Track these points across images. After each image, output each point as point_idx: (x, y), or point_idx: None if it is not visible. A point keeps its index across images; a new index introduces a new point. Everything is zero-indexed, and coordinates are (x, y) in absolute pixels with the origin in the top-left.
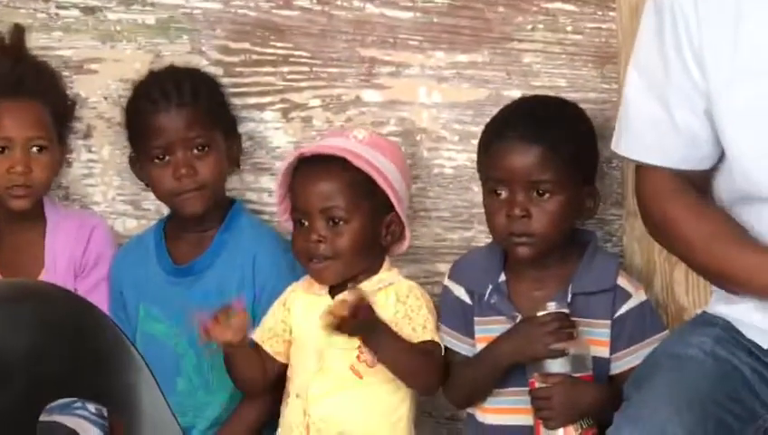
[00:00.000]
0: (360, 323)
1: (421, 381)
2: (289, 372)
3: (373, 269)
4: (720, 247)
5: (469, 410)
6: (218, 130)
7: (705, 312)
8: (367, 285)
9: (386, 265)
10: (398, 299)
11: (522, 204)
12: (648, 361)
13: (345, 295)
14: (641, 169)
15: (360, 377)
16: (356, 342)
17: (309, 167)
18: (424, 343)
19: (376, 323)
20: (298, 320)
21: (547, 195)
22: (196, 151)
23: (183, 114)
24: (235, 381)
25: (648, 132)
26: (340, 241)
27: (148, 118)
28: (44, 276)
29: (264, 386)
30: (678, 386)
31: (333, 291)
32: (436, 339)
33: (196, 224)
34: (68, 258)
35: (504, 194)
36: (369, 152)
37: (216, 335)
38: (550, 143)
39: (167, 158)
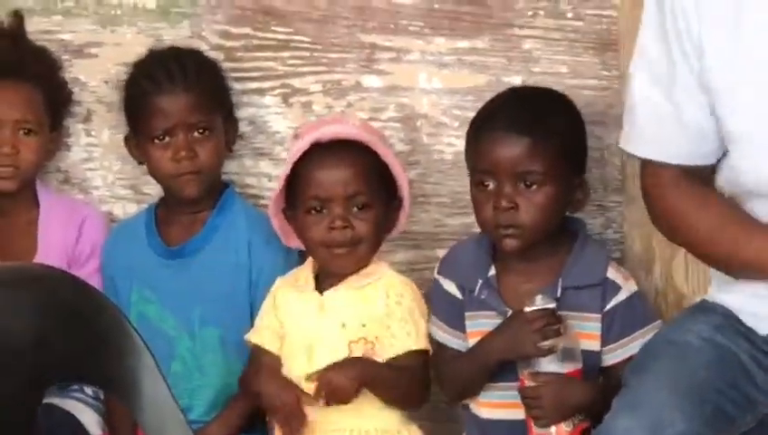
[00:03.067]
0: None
1: (402, 405)
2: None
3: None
4: (728, 234)
5: (465, 401)
6: (219, 114)
7: (704, 299)
8: (354, 280)
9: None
10: (388, 297)
11: (509, 195)
12: (647, 347)
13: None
14: (646, 163)
15: None
16: (347, 338)
17: (326, 152)
18: (412, 353)
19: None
20: (286, 316)
21: (535, 186)
22: (196, 134)
23: (187, 97)
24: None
25: (653, 129)
26: (364, 227)
27: (150, 98)
28: (37, 261)
29: None
30: (677, 373)
31: (319, 286)
32: (426, 346)
33: (189, 206)
34: (61, 246)
35: (491, 186)
36: (374, 139)
37: None
38: (537, 134)
39: (167, 139)
